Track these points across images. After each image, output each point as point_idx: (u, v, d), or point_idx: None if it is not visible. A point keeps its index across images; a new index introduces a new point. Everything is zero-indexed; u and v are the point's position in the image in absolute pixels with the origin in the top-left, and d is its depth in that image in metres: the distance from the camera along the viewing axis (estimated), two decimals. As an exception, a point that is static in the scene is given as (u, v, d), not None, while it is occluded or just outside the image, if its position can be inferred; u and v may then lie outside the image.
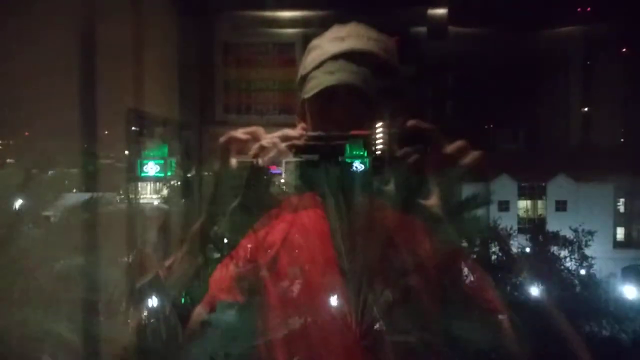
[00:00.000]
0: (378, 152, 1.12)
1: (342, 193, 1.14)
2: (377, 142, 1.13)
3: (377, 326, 1.05)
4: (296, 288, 1.10)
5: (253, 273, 1.12)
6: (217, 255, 1.16)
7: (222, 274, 1.13)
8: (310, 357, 1.06)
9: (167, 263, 1.16)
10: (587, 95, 28.44)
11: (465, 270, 1.16)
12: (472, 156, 1.14)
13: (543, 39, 29.12)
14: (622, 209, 22.66)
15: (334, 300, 1.07)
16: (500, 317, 1.12)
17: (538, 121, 29.98)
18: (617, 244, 21.60)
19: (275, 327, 1.07)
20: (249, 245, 1.16)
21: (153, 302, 1.10)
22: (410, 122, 1.14)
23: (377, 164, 1.11)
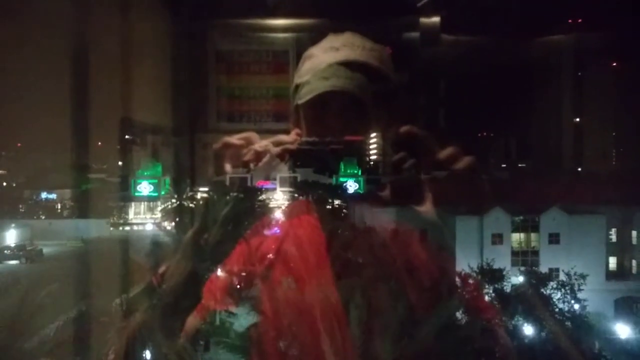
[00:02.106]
0: (372, 159, 1.11)
1: (336, 204, 1.13)
2: (371, 148, 1.12)
3: (374, 340, 1.05)
4: (291, 299, 1.09)
5: (246, 283, 1.11)
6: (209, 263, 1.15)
7: (215, 283, 1.12)
8: None
9: (160, 270, 1.15)
10: (578, 105, 28.71)
11: (458, 279, 1.15)
12: (464, 162, 1.13)
13: (534, 48, 29.37)
14: (614, 238, 22.79)
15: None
16: (493, 325, 1.12)
17: (529, 130, 30.18)
18: (609, 275, 21.68)
19: (269, 338, 1.06)
20: (242, 255, 1.15)
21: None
22: (404, 129, 1.14)
23: (371, 171, 1.10)
